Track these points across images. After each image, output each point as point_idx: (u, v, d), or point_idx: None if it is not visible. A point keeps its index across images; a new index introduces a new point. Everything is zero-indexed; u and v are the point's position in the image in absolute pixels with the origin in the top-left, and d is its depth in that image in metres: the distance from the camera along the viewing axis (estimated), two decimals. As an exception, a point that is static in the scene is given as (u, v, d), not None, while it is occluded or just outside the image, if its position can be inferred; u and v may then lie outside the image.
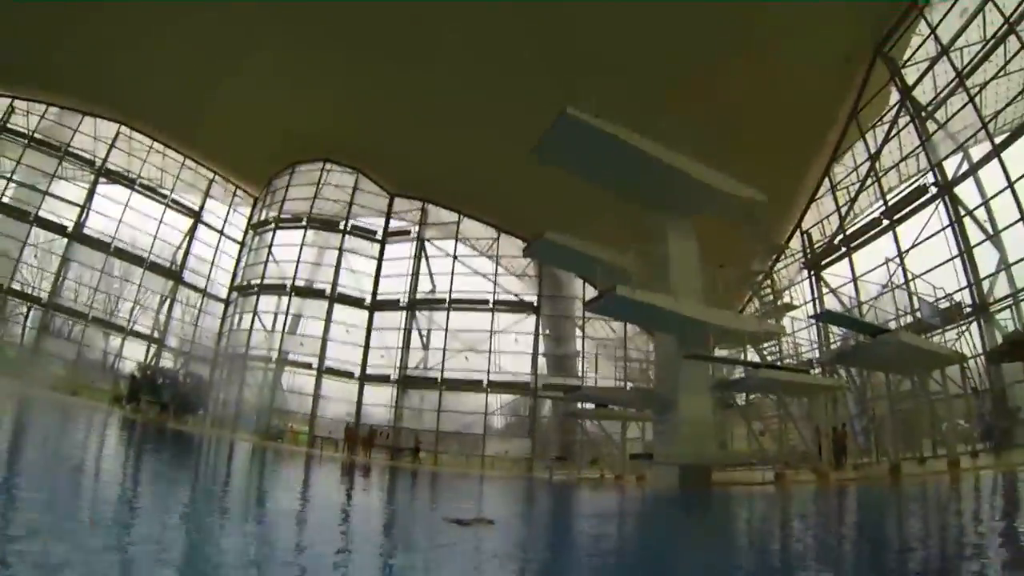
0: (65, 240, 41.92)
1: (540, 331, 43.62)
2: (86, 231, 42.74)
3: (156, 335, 45.23)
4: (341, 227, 46.52)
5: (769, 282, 30.96)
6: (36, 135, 41.76)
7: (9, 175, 40.88)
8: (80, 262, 42.63)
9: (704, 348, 22.88)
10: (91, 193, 43.28)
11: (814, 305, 30.96)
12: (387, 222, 47.74)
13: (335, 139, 43.32)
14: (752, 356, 27.68)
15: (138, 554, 5.31)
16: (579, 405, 33.71)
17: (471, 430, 42.46)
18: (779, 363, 26.40)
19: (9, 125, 41.26)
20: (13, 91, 41.22)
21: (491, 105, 33.99)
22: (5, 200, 40.44)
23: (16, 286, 40.21)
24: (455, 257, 45.78)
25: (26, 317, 41.02)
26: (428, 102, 36.09)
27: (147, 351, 44.39)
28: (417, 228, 47.38)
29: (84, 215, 42.84)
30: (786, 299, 29.41)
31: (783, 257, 34.32)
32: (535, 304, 43.89)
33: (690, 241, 24.63)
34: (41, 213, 41.10)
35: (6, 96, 41.33)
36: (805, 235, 33.30)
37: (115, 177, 44.21)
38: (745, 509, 15.64)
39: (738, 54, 28.05)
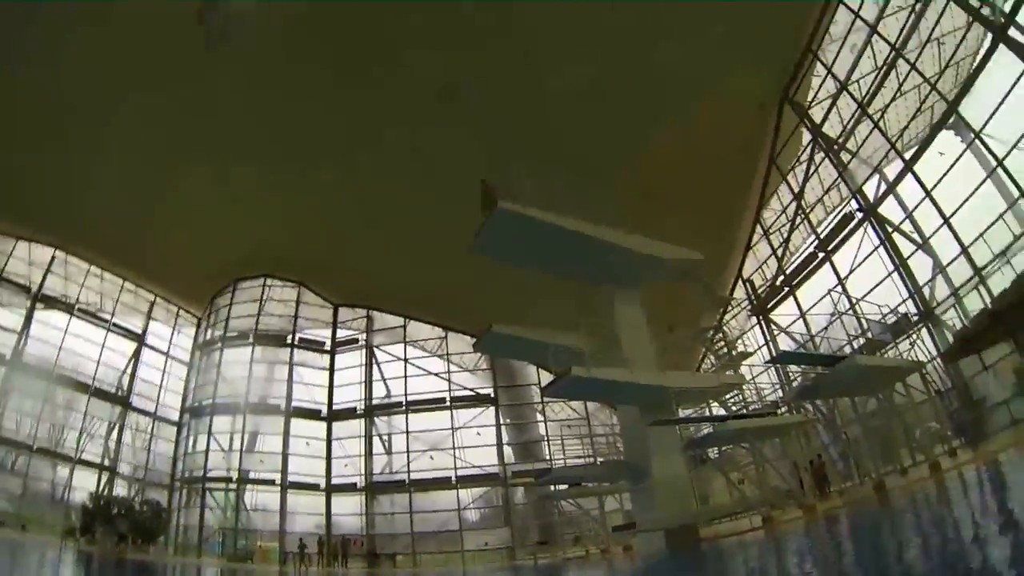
0: (2, 369, 39.91)
1: (501, 421, 43.42)
2: (25, 359, 40.83)
3: (107, 463, 42.93)
4: (288, 341, 46.19)
5: (721, 335, 31.48)
6: None
7: None
8: (20, 391, 40.60)
9: (668, 411, 22.96)
10: (28, 319, 41.48)
11: (768, 348, 31.62)
12: (334, 332, 47.65)
13: (275, 254, 43.43)
14: (717, 409, 28.10)
15: None
16: (552, 487, 33.55)
17: (447, 527, 41.50)
18: (745, 410, 26.73)
19: None
20: None
21: (427, 207, 34.45)
22: None
23: None
24: (406, 360, 45.67)
25: None
26: (365, 211, 36.63)
27: (99, 480, 42.04)
28: (364, 336, 47.35)
29: (22, 342, 41.05)
30: (740, 348, 29.86)
31: (730, 308, 35.11)
32: (492, 395, 43.83)
33: (637, 309, 24.92)
34: None
35: None
36: (747, 283, 34.21)
37: (52, 303, 42.58)
38: (740, 558, 15.67)
39: (659, 120, 29.52)
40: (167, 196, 37.30)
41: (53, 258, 43.03)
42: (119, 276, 45.76)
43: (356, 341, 47.47)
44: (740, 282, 34.91)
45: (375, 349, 46.95)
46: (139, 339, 46.48)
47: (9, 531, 32.83)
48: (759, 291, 33.12)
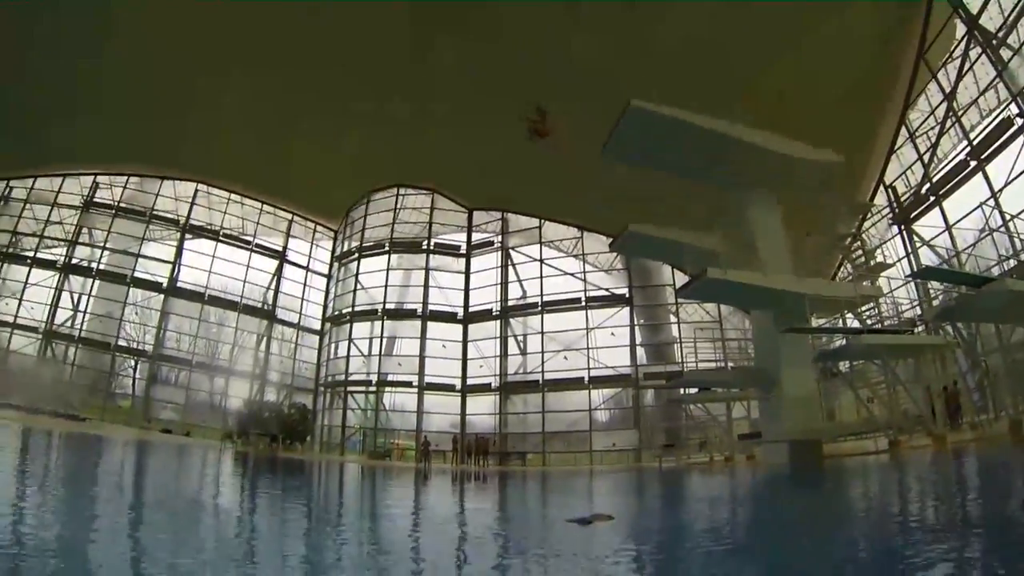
0: (161, 295, 45.09)
1: (635, 322, 43.21)
2: (180, 284, 45.74)
3: (257, 372, 47.39)
4: (424, 247, 47.45)
5: (859, 244, 29.70)
6: (122, 204, 45.38)
7: (103, 244, 44.62)
8: (178, 313, 45.60)
9: (801, 320, 22.21)
10: (179, 249, 46.25)
11: (909, 262, 29.45)
12: (469, 236, 48.45)
13: (407, 164, 44.05)
14: (851, 322, 26.91)
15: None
16: (682, 391, 33.50)
17: (577, 427, 42.41)
18: (880, 326, 25.47)
19: (96, 199, 45.07)
20: (95, 168, 44.64)
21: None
22: (102, 267, 44.15)
23: (122, 343, 43.65)
24: (541, 261, 45.76)
25: (135, 370, 44.39)
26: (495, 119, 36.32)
27: (250, 387, 46.60)
28: (500, 238, 47.74)
29: (176, 270, 45.90)
30: (879, 259, 28.18)
31: (870, 216, 32.82)
32: (627, 296, 43.50)
33: (773, 213, 24.11)
34: (136, 274, 44.64)
35: (89, 173, 44.85)
36: (890, 189, 31.77)
37: (199, 232, 47.00)
38: (863, 481, 15.20)
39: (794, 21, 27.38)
40: (300, 121, 38.99)
41: (196, 192, 46.93)
42: (258, 201, 48.82)
43: (491, 243, 47.99)
44: (882, 188, 32.49)
45: (510, 251, 47.34)
46: (280, 256, 49.68)
47: (176, 437, 36.31)
48: (902, 199, 30.73)
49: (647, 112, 20.69)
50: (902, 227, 30.34)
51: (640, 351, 42.79)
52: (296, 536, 8.52)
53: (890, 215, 31.37)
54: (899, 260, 29.62)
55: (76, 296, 43.51)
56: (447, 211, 48.49)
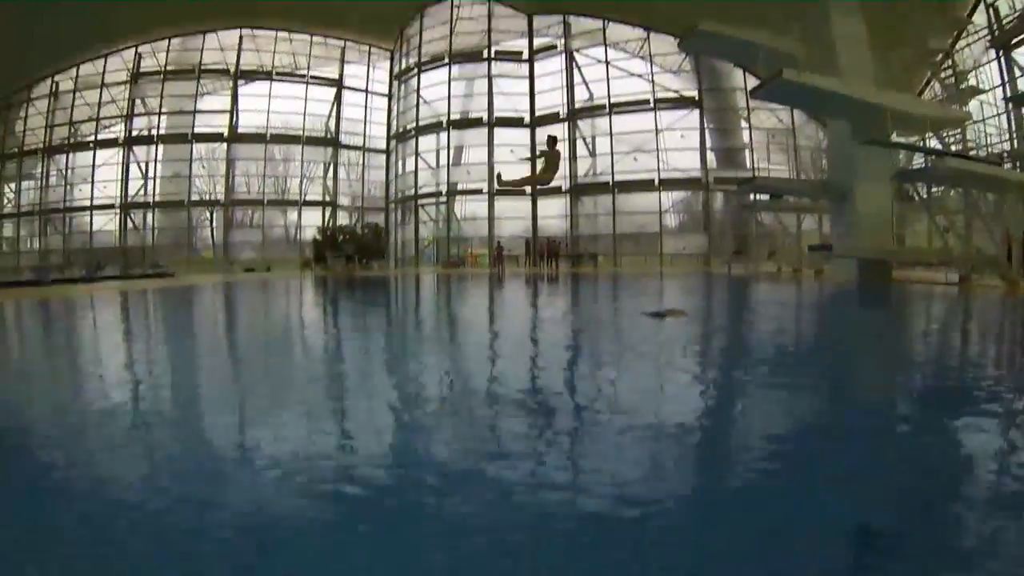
0: (224, 144, 46.10)
1: (705, 125, 42.35)
2: (240, 130, 46.44)
3: (327, 199, 48.59)
4: (485, 56, 46.03)
5: (950, 62, 28.15)
6: (169, 68, 45.76)
7: (159, 110, 45.62)
8: (243, 158, 46.74)
9: (881, 134, 21.61)
10: (234, 97, 46.51)
11: (1004, 89, 27.98)
12: (530, 40, 46.53)
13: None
14: (935, 145, 26.20)
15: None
16: (752, 197, 33.40)
17: (647, 230, 43.09)
18: (966, 153, 24.83)
19: (142, 70, 45.59)
20: (132, 41, 44.78)
21: None
22: (163, 132, 45.57)
23: (195, 198, 45.72)
24: (607, 63, 44.05)
25: (211, 220, 46.82)
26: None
27: (323, 215, 47.98)
28: (562, 41, 45.75)
29: (235, 118, 46.43)
30: (971, 82, 26.78)
31: (965, 34, 30.73)
32: (697, 98, 42.22)
33: (856, 18, 22.85)
34: (197, 130, 45.65)
35: (129, 47, 45.11)
36: (991, 8, 29.49)
37: (251, 75, 46.84)
38: (932, 309, 15.46)
39: None
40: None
41: (241, 38, 46.09)
42: (307, 34, 47.36)
43: (554, 47, 46.19)
44: (982, 6, 30.10)
45: (574, 53, 45.62)
46: (337, 84, 48.86)
47: (258, 274, 38.20)
48: (1004, 21, 28.56)
49: None
50: (1000, 51, 28.50)
51: (710, 155, 42.28)
52: (390, 343, 9.58)
53: (988, 37, 29.39)
54: (993, 88, 28.13)
55: (143, 165, 45.31)
56: (505, 18, 46.26)
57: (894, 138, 25.22)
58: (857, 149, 21.20)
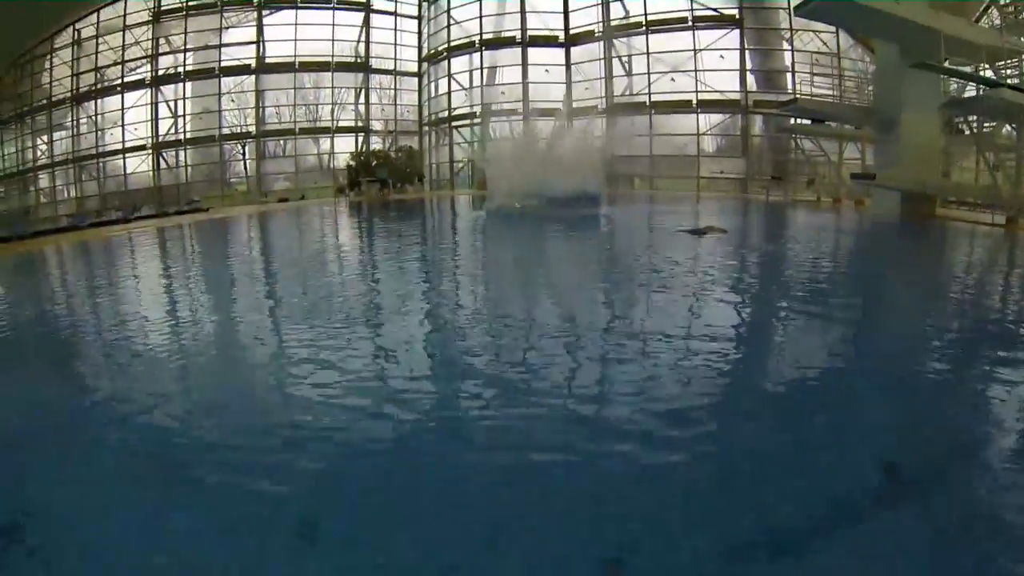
0: (252, 76, 45.14)
1: (745, 46, 40.95)
2: (268, 60, 45.35)
3: (360, 124, 47.60)
4: (516, -30, 44.14)
5: (1012, -12, 26.83)
6: (190, 3, 44.39)
7: (183, 47, 44.71)
8: (272, 88, 45.91)
9: (933, 59, 20.88)
10: (259, 27, 45.13)
11: (1071, 22, 26.69)
12: (562, -45, 44.50)
13: None
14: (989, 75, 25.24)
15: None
16: (793, 121, 32.68)
17: (684, 151, 42.12)
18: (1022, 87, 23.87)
19: (163, 8, 44.42)
20: None
21: None
22: (189, 68, 44.71)
23: (226, 131, 45.14)
24: (644, -24, 42.23)
25: (243, 153, 46.26)
26: None
27: (356, 141, 47.30)
28: (595, -46, 43.67)
29: (261, 48, 45.25)
30: (1033, 12, 25.69)
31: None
32: (737, 17, 40.56)
33: None
34: (224, 64, 44.63)
35: None
36: (1058, -68, 27.81)
37: (277, 4, 45.29)
38: (971, 251, 15.33)
39: None
40: None
41: None
42: None
43: (587, -39, 44.12)
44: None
45: (609, -32, 43.64)
46: (365, 7, 47.07)
47: (292, 204, 38.36)
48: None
49: None
50: (1066, -21, 27.08)
51: (750, 77, 40.87)
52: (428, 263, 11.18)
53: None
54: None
55: (172, 104, 44.68)
56: (537, -67, 44.19)
57: (946, 64, 24.37)
58: (906, 75, 20.44)
